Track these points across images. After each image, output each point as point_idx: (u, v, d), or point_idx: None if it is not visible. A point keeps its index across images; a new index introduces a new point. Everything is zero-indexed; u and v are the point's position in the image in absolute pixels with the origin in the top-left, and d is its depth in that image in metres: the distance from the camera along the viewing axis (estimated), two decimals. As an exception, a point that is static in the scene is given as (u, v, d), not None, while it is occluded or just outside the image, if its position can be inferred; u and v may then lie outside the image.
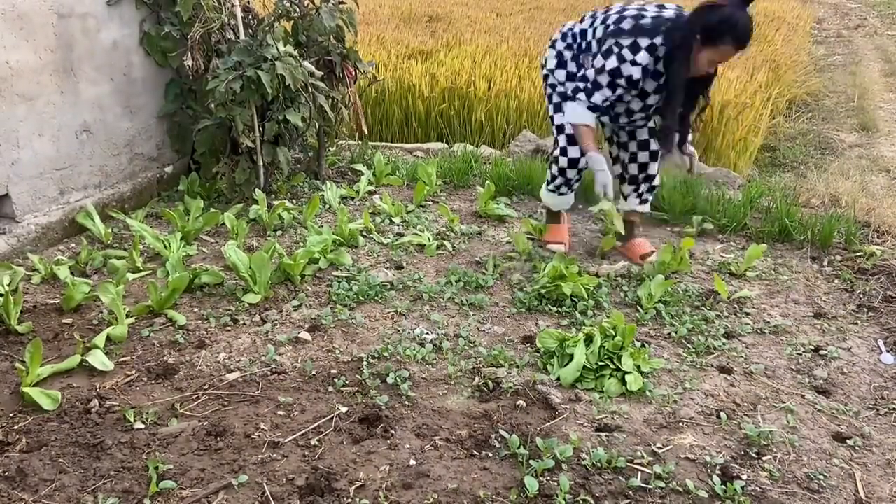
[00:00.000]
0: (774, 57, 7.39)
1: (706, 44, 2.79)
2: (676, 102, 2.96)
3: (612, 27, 2.98)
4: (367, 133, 4.77)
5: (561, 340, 2.60)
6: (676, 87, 2.92)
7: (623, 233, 3.29)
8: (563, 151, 3.31)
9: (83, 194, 3.75)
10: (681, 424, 2.29)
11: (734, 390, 2.47)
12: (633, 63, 2.89)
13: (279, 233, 3.79)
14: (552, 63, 3.30)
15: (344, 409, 2.33)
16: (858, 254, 3.49)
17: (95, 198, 3.80)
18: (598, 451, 2.10)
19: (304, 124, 4.03)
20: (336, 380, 2.48)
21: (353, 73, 4.46)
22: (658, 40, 2.87)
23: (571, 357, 2.52)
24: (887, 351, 2.72)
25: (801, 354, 2.70)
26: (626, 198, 3.47)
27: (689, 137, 3.23)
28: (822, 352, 2.71)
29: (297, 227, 3.86)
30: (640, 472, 2.06)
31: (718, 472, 2.07)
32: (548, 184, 3.47)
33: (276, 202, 3.97)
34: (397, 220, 3.94)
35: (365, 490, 1.99)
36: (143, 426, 2.24)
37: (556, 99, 3.33)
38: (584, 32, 3.19)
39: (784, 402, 2.40)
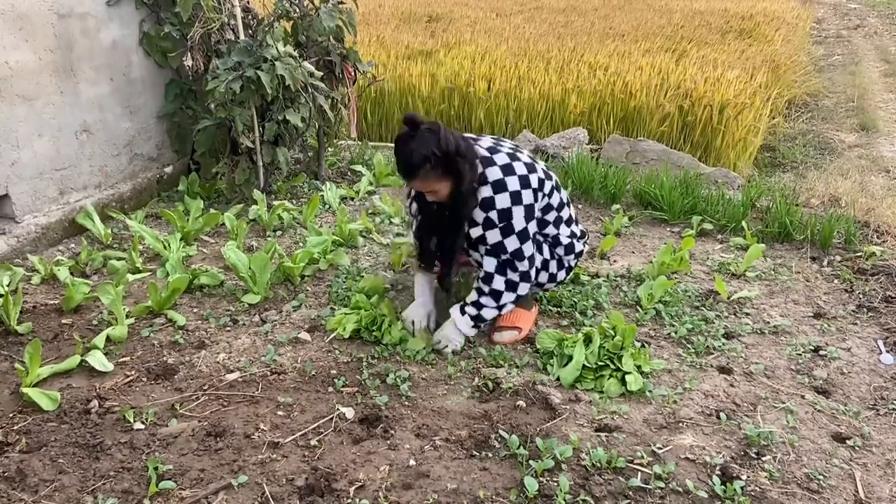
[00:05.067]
0: (774, 57, 7.39)
1: None
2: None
3: None
4: (355, 137, 4.76)
5: (559, 340, 2.60)
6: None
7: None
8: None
9: (83, 195, 3.75)
10: (681, 424, 2.28)
11: (734, 390, 2.47)
12: None
13: (279, 233, 3.79)
14: None
15: (344, 410, 2.33)
16: (858, 254, 3.49)
17: (95, 198, 3.80)
18: (598, 452, 2.10)
19: (304, 124, 4.03)
20: (336, 380, 2.48)
21: (353, 74, 4.46)
22: None
23: (570, 357, 2.52)
24: (887, 351, 2.72)
25: (800, 354, 2.70)
26: None
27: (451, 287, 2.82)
28: (821, 352, 2.71)
29: (296, 227, 3.86)
30: (639, 473, 2.06)
31: (718, 472, 2.07)
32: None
33: (275, 202, 3.97)
34: (397, 220, 3.94)
35: (365, 490, 1.99)
36: (142, 426, 2.24)
37: None
38: None
39: (784, 403, 2.40)
